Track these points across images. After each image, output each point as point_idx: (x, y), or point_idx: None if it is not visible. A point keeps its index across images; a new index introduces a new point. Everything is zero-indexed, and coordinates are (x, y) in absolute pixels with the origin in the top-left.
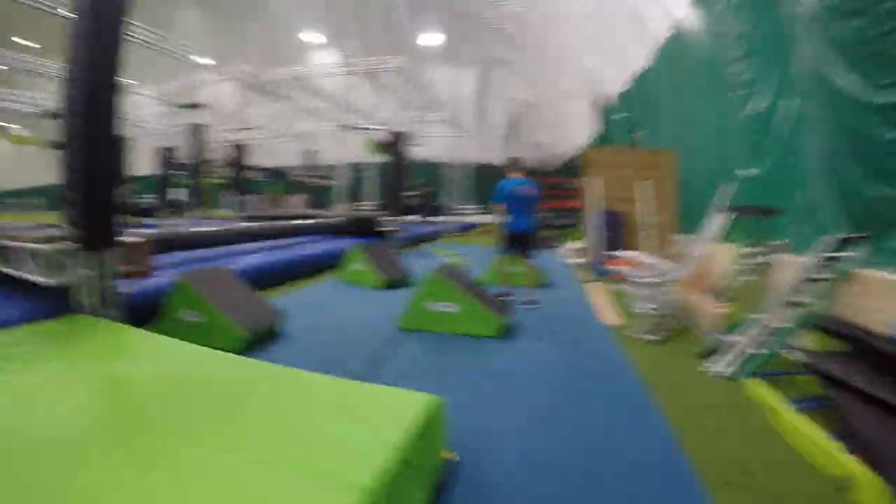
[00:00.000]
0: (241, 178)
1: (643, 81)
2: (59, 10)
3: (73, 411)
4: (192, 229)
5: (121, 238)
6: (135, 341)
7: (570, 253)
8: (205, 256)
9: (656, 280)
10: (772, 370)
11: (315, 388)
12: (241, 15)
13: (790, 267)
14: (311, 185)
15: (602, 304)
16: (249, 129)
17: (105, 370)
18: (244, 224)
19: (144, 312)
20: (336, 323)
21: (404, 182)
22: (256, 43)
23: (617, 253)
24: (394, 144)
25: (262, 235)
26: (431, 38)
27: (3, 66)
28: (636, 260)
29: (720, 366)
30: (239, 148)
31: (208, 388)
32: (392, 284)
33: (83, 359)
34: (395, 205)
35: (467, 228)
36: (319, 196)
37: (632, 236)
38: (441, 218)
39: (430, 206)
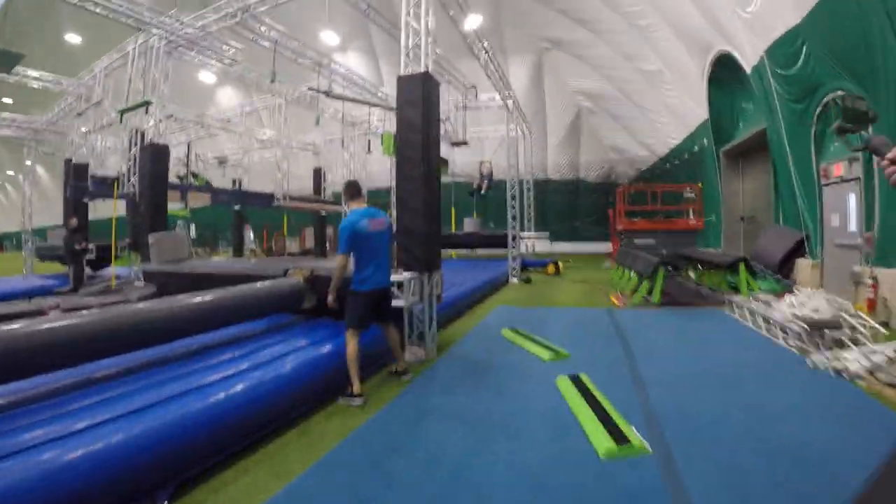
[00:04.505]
0: (137, 213)
1: None
2: None
3: None
4: None
5: None
6: None
7: (797, 329)
8: None
9: None
10: None
11: None
12: None
13: None
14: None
15: None
16: (146, 105)
17: None
18: None
19: None
20: None
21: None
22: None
23: None
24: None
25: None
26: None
27: None
28: None
29: None
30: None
31: None
32: None
33: None
34: (426, 239)
35: (532, 266)
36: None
37: None
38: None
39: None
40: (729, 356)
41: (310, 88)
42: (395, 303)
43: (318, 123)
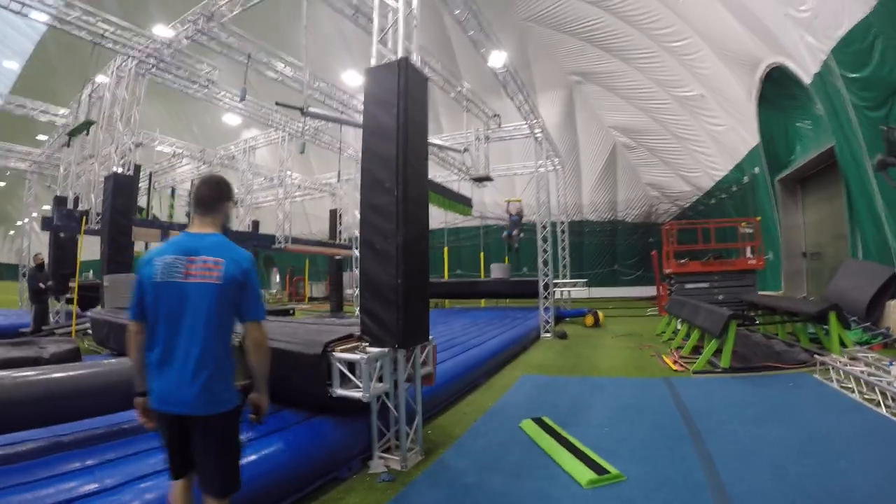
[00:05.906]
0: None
1: None
2: None
3: None
4: None
5: None
6: None
7: None
8: None
9: None
10: None
11: None
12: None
13: None
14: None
15: None
16: (88, 125)
17: None
18: None
19: None
20: None
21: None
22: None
23: None
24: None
25: None
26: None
27: None
28: None
29: None
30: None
31: None
32: None
33: None
34: (402, 299)
35: (569, 317)
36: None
37: None
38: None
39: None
40: (857, 460)
41: (278, 104)
42: (348, 393)
43: (302, 152)
